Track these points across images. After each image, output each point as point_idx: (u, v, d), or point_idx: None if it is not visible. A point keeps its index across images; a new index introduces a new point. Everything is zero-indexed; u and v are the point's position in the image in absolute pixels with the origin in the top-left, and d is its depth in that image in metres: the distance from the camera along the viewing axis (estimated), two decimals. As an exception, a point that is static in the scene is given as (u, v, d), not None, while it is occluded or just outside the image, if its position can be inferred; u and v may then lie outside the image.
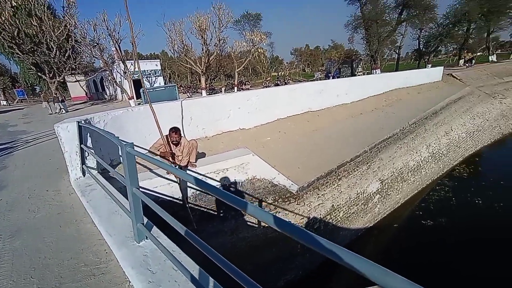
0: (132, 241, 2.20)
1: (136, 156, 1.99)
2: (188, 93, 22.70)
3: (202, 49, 18.39)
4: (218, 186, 4.69)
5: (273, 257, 5.11)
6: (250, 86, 24.11)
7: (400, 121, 9.29)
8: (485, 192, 8.22)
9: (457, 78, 17.41)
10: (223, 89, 22.97)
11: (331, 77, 25.33)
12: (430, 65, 25.77)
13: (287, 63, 53.18)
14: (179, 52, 18.56)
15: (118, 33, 14.53)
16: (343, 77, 25.50)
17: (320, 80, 22.16)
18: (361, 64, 30.54)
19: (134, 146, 2.02)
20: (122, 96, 20.53)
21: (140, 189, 2.12)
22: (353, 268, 0.67)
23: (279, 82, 25.02)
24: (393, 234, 7.09)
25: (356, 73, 28.04)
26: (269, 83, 26.30)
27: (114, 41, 14.68)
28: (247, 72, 42.50)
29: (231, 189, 4.80)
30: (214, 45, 18.22)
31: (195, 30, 17.29)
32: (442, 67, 18.09)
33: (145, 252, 2.07)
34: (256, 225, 4.92)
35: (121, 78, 19.28)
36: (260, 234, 4.96)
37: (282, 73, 37.99)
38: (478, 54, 32.61)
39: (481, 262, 5.60)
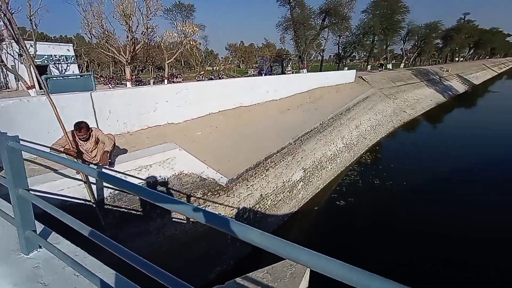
0: (18, 254, 1.87)
1: (33, 156, 1.69)
2: (110, 85, 20.09)
3: (127, 37, 16.45)
4: (140, 184, 4.38)
5: (203, 250, 5.12)
6: (183, 80, 23.01)
7: (320, 116, 10.51)
8: (381, 174, 10.15)
9: (365, 81, 20.65)
10: (151, 81, 21.21)
11: (263, 74, 26.46)
12: (346, 68, 29.76)
13: (222, 58, 52.94)
14: (99, 38, 16.14)
15: (8, 3, 11.64)
16: (274, 74, 27.00)
17: (253, 76, 22.88)
18: (290, 63, 32.93)
19: (27, 142, 1.71)
20: (18, 85, 16.67)
21: (38, 193, 1.82)
22: (275, 251, 0.74)
23: (213, 77, 24.69)
24: (315, 217, 8.00)
25: (286, 71, 30.06)
26: (202, 77, 25.63)
27: (2, 14, 11.72)
28: (179, 64, 40.32)
29: (156, 186, 4.56)
30: (141, 33, 16.56)
31: (118, 14, 15.31)
32: (355, 70, 21.14)
33: (36, 264, 1.79)
34: (185, 221, 4.83)
35: (15, 62, 15.63)
36: (189, 229, 4.89)
37: (217, 68, 37.59)
38: (380, 62, 39.46)
39: (376, 236, 6.83)
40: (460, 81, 35.86)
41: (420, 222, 7.26)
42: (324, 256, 0.68)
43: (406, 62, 42.85)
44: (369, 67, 33.86)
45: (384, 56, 38.27)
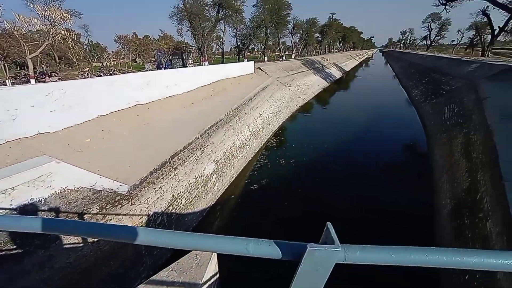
0: None
1: None
2: None
3: None
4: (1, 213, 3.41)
5: (114, 270, 4.54)
6: (59, 79, 18.71)
7: (225, 108, 10.79)
8: (286, 154, 11.51)
9: (263, 71, 22.40)
10: (8, 81, 16.28)
11: (163, 69, 24.71)
12: (246, 60, 31.35)
13: (112, 52, 45.76)
14: None
15: None
16: (175, 68, 25.67)
17: (151, 71, 21.00)
18: (191, 56, 31.98)
19: None
20: None
21: None
22: (175, 246, 0.75)
23: (102, 74, 21.20)
24: (233, 205, 8.29)
25: (187, 64, 29.08)
26: (88, 74, 21.59)
27: None
28: (53, 60, 32.38)
29: (29, 212, 3.66)
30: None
31: None
32: (253, 61, 22.57)
33: None
34: (81, 244, 4.12)
35: None
36: (89, 252, 4.21)
37: (107, 64, 32.36)
38: (277, 53, 43.65)
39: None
40: (336, 68, 44.02)
41: (317, 193, 8.68)
42: (216, 236, 0.74)
43: (296, 53, 49.01)
44: (266, 58, 36.81)
45: (278, 48, 42.47)
